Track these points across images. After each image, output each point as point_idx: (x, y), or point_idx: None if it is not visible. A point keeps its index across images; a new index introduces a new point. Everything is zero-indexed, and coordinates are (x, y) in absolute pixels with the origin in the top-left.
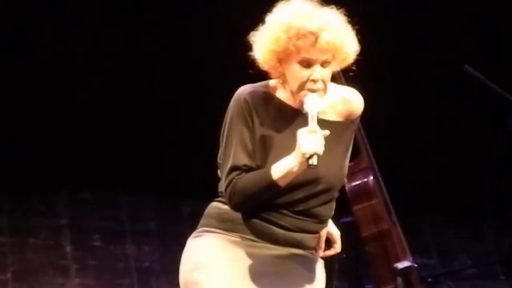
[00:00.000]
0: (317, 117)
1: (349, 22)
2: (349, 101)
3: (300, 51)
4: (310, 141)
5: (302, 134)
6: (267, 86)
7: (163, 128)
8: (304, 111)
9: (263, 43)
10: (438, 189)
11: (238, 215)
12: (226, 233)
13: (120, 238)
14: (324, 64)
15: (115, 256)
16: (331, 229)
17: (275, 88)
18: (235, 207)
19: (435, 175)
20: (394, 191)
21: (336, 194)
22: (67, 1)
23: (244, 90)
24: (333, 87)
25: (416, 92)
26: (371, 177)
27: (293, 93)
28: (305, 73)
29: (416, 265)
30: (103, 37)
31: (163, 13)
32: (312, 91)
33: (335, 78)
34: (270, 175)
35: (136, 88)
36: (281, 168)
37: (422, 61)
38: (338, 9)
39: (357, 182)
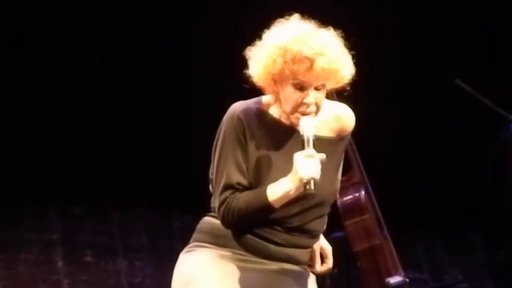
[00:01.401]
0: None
1: (346, 42)
2: (341, 117)
3: (295, 75)
4: (307, 166)
5: (300, 158)
6: (260, 103)
7: (155, 143)
8: (300, 134)
9: (259, 62)
10: (430, 202)
11: (230, 231)
12: (219, 248)
13: (112, 253)
14: (318, 87)
15: (107, 271)
16: (323, 244)
17: (268, 105)
18: (228, 226)
19: (427, 188)
20: (386, 204)
21: (328, 209)
22: (67, 1)
23: (237, 107)
24: (325, 103)
25: (407, 106)
26: (363, 192)
27: (286, 113)
28: (299, 96)
29: (408, 280)
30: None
31: (163, 14)
32: (305, 114)
33: (327, 94)
34: (265, 197)
35: (127, 103)
36: (277, 191)
37: (411, 75)
38: (335, 30)
39: (348, 197)
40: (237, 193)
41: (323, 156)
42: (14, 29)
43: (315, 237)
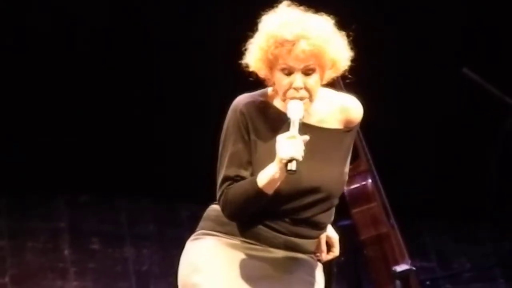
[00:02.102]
0: (314, 125)
1: (344, 27)
2: (348, 108)
3: (278, 59)
4: (287, 146)
5: (281, 139)
6: (265, 94)
7: (163, 131)
8: (287, 116)
9: (251, 51)
10: (437, 192)
11: (239, 221)
12: (225, 236)
13: (119, 242)
14: (307, 72)
15: (114, 259)
16: (330, 232)
17: (272, 97)
18: (229, 216)
19: (434, 178)
20: (393, 194)
21: (336, 201)
22: (67, 2)
23: (241, 100)
24: (332, 94)
25: (415, 95)
26: (370, 180)
27: (283, 102)
28: (287, 80)
29: (414, 268)
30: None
31: (162, 11)
32: (294, 98)
33: (334, 85)
34: (256, 183)
35: (136, 91)
36: (265, 176)
37: (421, 64)
38: (328, 15)
39: (355, 185)
40: (234, 183)
41: (306, 137)
42: (14, 29)
43: (322, 229)
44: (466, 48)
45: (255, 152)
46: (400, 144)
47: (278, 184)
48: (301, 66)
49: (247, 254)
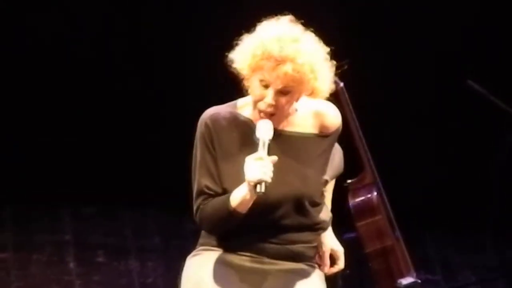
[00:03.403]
0: (286, 130)
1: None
2: (321, 114)
3: (261, 71)
4: (255, 168)
5: (249, 161)
6: (233, 106)
7: (168, 143)
8: (256, 136)
9: (240, 50)
10: (441, 203)
11: (235, 234)
12: (224, 250)
13: (124, 254)
14: (283, 91)
15: (119, 272)
16: (335, 245)
17: (243, 107)
18: (207, 232)
19: (438, 189)
20: (397, 205)
21: (318, 200)
22: (67, 2)
23: (206, 113)
24: (306, 100)
25: (417, 106)
26: (375, 193)
27: (253, 108)
28: (260, 92)
29: (419, 281)
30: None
31: (160, 14)
32: (261, 111)
33: (338, 93)
34: (229, 203)
35: (138, 101)
36: (237, 197)
37: (424, 73)
38: (323, 41)
39: (361, 198)
40: (209, 199)
41: (274, 158)
42: (14, 29)
43: (316, 230)
44: (469, 54)
45: (223, 163)
46: (403, 155)
47: (250, 204)
48: (279, 86)
49: (247, 267)
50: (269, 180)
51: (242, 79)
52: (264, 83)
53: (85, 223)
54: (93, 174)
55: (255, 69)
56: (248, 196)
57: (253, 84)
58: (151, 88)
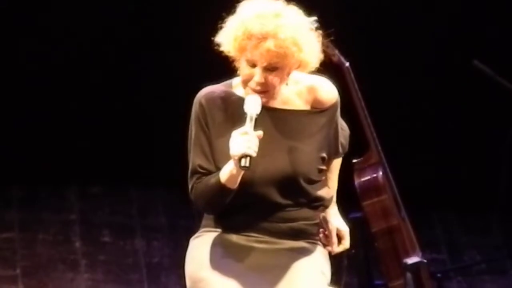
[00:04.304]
0: (277, 107)
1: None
2: (315, 88)
3: (245, 51)
4: (239, 143)
5: (234, 135)
6: (228, 85)
7: (174, 122)
8: (245, 111)
9: (224, 33)
10: (448, 184)
11: (234, 214)
12: (226, 231)
13: (130, 234)
14: (271, 68)
15: (125, 251)
16: (340, 225)
17: (238, 86)
18: (202, 210)
19: (445, 170)
20: (404, 185)
21: (314, 177)
22: (68, 2)
23: (200, 93)
24: (301, 76)
25: (425, 86)
26: (381, 173)
27: (243, 88)
28: (249, 72)
29: (425, 261)
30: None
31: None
32: (254, 91)
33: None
34: (219, 179)
35: (145, 82)
36: (225, 172)
37: (429, 55)
38: (308, 10)
39: (366, 178)
40: (203, 177)
41: (259, 133)
42: (14, 29)
43: (316, 207)
44: (475, 39)
45: (217, 142)
46: (411, 136)
47: (239, 179)
48: (264, 64)
49: (250, 247)
50: (254, 154)
51: (233, 60)
52: (250, 63)
53: (91, 203)
54: (100, 153)
55: (239, 50)
56: (234, 171)
57: (241, 65)
58: (158, 65)
